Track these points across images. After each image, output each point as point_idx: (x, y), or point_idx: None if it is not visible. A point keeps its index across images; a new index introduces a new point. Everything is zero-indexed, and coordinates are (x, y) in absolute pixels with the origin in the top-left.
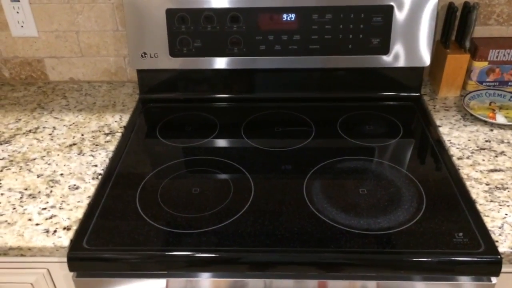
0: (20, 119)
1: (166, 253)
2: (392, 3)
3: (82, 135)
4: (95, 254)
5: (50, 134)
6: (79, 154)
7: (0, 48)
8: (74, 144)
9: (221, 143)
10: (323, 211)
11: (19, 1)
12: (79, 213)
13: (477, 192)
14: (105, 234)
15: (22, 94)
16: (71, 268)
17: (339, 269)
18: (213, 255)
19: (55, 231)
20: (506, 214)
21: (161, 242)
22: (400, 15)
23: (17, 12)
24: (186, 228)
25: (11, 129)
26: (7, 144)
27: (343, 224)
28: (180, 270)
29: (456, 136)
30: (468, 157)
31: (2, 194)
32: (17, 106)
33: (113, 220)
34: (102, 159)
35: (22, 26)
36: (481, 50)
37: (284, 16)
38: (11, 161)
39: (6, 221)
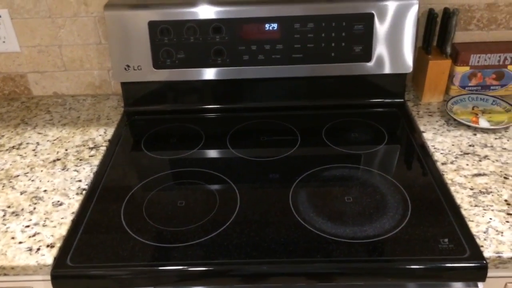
0: (3, 136)
1: (153, 268)
2: (372, 11)
3: (66, 150)
4: (79, 271)
5: (33, 150)
6: (63, 169)
7: None
8: (58, 160)
9: (207, 154)
10: (309, 220)
11: (0, 17)
12: (62, 230)
13: (461, 197)
14: (89, 251)
15: (5, 109)
16: (55, 286)
17: (327, 278)
18: (202, 268)
19: (38, 249)
20: (490, 219)
21: (147, 257)
22: (381, 23)
23: None
24: (172, 242)
25: None
26: None
27: (330, 233)
28: (167, 285)
29: (440, 141)
30: (452, 162)
31: None
32: (0, 122)
33: (98, 236)
34: (86, 174)
35: (4, 42)
36: (462, 55)
37: (267, 25)
38: None
39: None
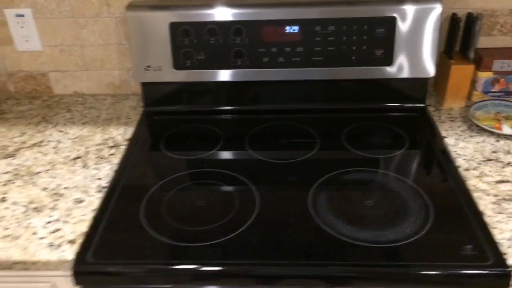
0: (24, 133)
1: (171, 266)
2: (395, 15)
3: (87, 148)
4: (100, 268)
5: (54, 148)
6: (83, 167)
7: (5, 63)
8: (79, 158)
9: (226, 155)
10: (329, 223)
11: (23, 16)
12: (83, 227)
13: (484, 203)
14: (110, 248)
15: (27, 108)
16: (76, 282)
17: (346, 282)
18: (219, 268)
19: (59, 245)
20: None
21: (166, 256)
22: (403, 26)
23: (22, 27)
24: (191, 241)
25: (16, 142)
26: (11, 158)
27: (349, 236)
28: (185, 283)
29: (462, 147)
30: (475, 168)
31: (6, 207)
32: (22, 119)
33: (118, 234)
34: (106, 172)
35: (26, 41)
36: (486, 60)
37: (287, 28)
38: (16, 174)
39: (11, 234)
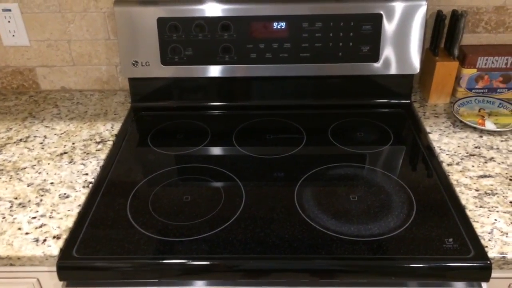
0: (11, 128)
1: (157, 261)
2: (381, 12)
3: (73, 143)
4: (85, 263)
5: (41, 143)
6: (70, 162)
7: None
8: (65, 153)
9: (213, 151)
10: (314, 217)
11: (10, 10)
12: (69, 222)
13: (466, 198)
14: (95, 243)
15: (13, 103)
16: (60, 277)
17: (330, 275)
18: (205, 263)
19: (44, 240)
20: (495, 220)
21: (152, 250)
22: (389, 23)
23: (9, 21)
24: (177, 236)
25: (2, 138)
26: None
27: (334, 230)
28: (171, 278)
29: (446, 143)
30: (457, 163)
31: None
32: (8, 115)
33: (104, 229)
34: (93, 167)
35: (13, 35)
36: (470, 57)
37: (275, 24)
38: (1, 170)
39: None
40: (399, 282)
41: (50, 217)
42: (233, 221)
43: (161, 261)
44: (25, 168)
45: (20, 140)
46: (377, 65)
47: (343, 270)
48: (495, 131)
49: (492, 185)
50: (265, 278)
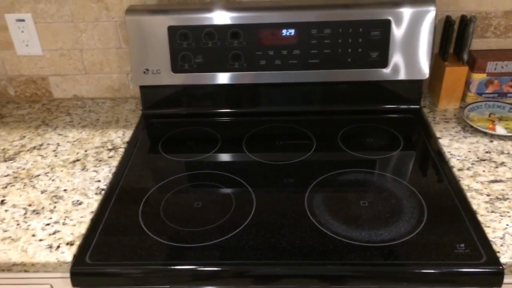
0: (24, 136)
1: (169, 267)
2: (389, 18)
3: (86, 151)
4: (98, 269)
5: (54, 151)
6: (82, 170)
7: (6, 67)
8: (78, 160)
9: (223, 157)
10: (325, 223)
11: (24, 21)
12: (82, 229)
13: (478, 203)
14: (108, 249)
15: (26, 111)
16: (74, 283)
17: (341, 281)
18: (216, 269)
19: (58, 247)
20: (507, 225)
21: (164, 257)
22: (398, 29)
23: (22, 32)
24: (188, 242)
25: (16, 146)
26: (11, 161)
27: (345, 236)
28: (183, 284)
29: (456, 148)
30: (468, 168)
31: (6, 210)
32: (22, 123)
33: (116, 235)
34: (105, 174)
35: (27, 45)
36: (479, 62)
37: (284, 31)
38: (16, 177)
39: (10, 237)
40: None
41: (64, 223)
42: (244, 227)
43: (173, 267)
44: (38, 175)
45: (34, 147)
46: (386, 71)
47: (354, 276)
48: (505, 136)
49: (503, 190)
50: (276, 284)
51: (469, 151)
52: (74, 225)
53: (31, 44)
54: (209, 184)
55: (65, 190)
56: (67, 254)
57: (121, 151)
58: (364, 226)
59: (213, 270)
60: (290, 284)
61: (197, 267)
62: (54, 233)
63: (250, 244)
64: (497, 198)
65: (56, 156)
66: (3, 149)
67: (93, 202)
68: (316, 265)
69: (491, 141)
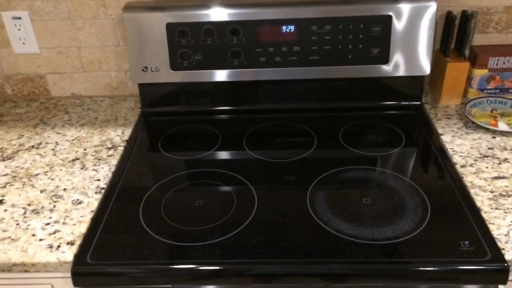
0: (22, 135)
1: (171, 266)
2: (390, 13)
3: (85, 149)
4: (99, 268)
5: (52, 150)
6: (81, 168)
7: (2, 65)
8: (77, 159)
9: (224, 155)
10: (327, 221)
11: (20, 18)
12: (82, 228)
13: (481, 199)
14: (108, 249)
15: (24, 110)
16: (75, 283)
17: (344, 279)
18: (218, 267)
19: (58, 246)
20: (511, 222)
21: (165, 256)
22: (398, 25)
23: (19, 29)
24: (190, 241)
25: (14, 145)
26: (10, 160)
27: (348, 234)
28: (184, 283)
29: (459, 144)
30: (471, 165)
31: (5, 210)
32: (20, 122)
33: (117, 234)
34: (104, 173)
35: (24, 43)
36: (481, 57)
37: (284, 28)
38: (14, 177)
39: (10, 237)
40: (415, 286)
41: (64, 223)
42: (245, 226)
43: (174, 266)
44: (37, 174)
45: (32, 146)
46: (387, 67)
47: (357, 274)
48: (508, 132)
49: (507, 186)
50: (278, 282)
51: (472, 148)
52: (75, 224)
53: (28, 42)
54: (210, 182)
55: (64, 189)
56: (68, 254)
57: (120, 149)
58: (367, 223)
59: (215, 269)
60: (293, 282)
61: (198, 266)
62: (54, 232)
63: (252, 242)
64: (501, 194)
65: (55, 155)
66: (1, 148)
67: (93, 201)
68: (319, 264)
69: (494, 137)
